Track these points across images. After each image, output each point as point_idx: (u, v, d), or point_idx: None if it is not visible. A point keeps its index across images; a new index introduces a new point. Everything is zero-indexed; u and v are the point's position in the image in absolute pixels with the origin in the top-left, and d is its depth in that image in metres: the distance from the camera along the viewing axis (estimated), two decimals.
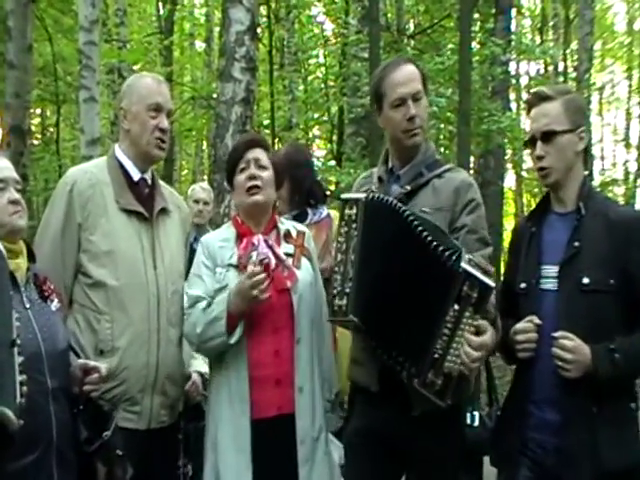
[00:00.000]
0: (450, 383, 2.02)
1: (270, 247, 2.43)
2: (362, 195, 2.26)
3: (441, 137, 11.58)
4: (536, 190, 18.00)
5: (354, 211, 2.22)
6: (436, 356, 2.02)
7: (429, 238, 2.06)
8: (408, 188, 2.32)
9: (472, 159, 10.78)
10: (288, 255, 2.46)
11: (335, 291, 2.23)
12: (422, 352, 2.05)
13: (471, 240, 2.22)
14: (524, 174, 17.54)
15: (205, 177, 17.52)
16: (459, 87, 7.71)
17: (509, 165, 15.02)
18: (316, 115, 14.55)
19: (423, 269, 2.07)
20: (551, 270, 2.17)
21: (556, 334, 2.06)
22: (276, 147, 15.53)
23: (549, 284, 2.18)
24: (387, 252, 2.15)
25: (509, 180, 18.52)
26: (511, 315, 2.23)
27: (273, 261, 2.40)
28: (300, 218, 3.05)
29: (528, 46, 11.02)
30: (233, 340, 2.31)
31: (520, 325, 2.17)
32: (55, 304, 2.10)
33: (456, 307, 2.01)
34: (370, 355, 2.26)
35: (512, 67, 13.74)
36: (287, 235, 2.53)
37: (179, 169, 20.21)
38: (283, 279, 2.39)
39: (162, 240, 2.50)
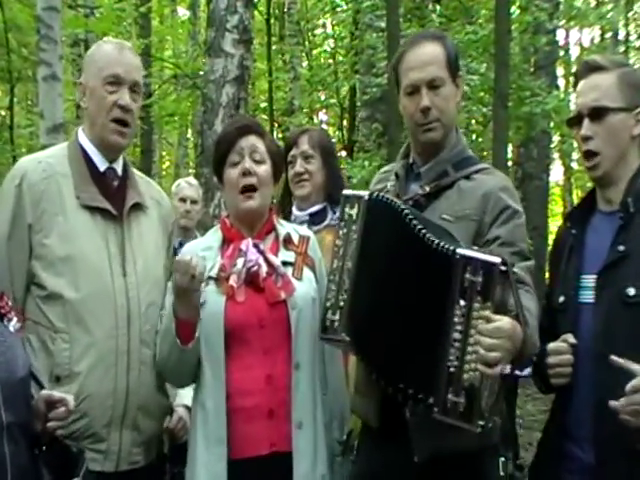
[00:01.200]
0: (476, 398, 1.96)
1: (261, 253, 2.44)
2: (365, 193, 2.27)
3: (473, 122, 11.57)
4: (589, 185, 18.01)
5: (355, 210, 2.24)
6: (452, 370, 1.98)
7: (434, 245, 2.05)
8: (427, 189, 2.34)
9: (510, 148, 10.76)
10: (287, 264, 2.47)
11: (328, 303, 2.24)
12: (434, 372, 2.01)
13: (505, 254, 2.14)
14: (574, 166, 17.49)
15: (190, 171, 17.58)
16: (495, 61, 7.72)
17: (556, 155, 15.03)
18: (323, 97, 14.60)
19: (427, 280, 2.07)
20: (591, 280, 2.17)
21: (627, 387, 1.92)
22: (275, 135, 15.66)
23: (587, 296, 2.17)
24: (387, 261, 2.16)
25: (556, 173, 18.57)
26: (552, 335, 2.22)
27: (264, 269, 2.41)
28: (318, 217, 3.10)
29: (580, 10, 11.03)
30: (190, 346, 2.33)
31: (553, 345, 2.17)
32: (14, 324, 2.09)
33: (462, 303, 1.98)
34: (369, 382, 2.26)
35: (560, 36, 13.78)
36: (287, 240, 2.54)
37: (159, 161, 20.30)
38: (276, 290, 2.40)
39: (135, 242, 2.51)
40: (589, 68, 2.23)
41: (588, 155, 2.22)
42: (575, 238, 2.27)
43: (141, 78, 2.59)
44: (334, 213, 3.11)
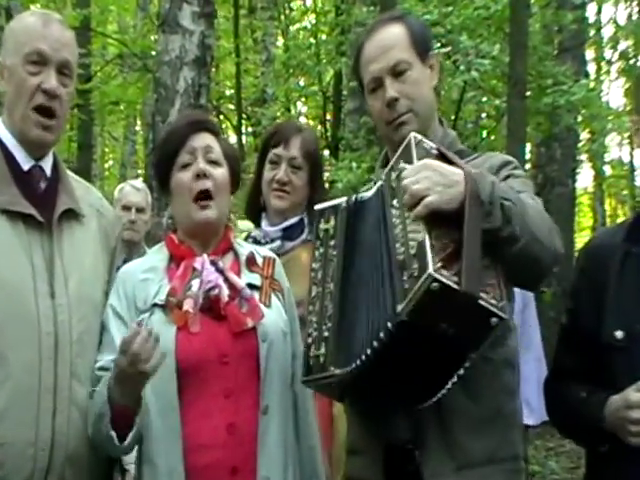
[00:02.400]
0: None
1: (221, 272, 2.45)
2: (341, 200, 2.31)
3: (483, 116, 11.64)
4: (624, 192, 18.12)
5: (332, 224, 2.29)
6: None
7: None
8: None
9: (529, 148, 10.83)
10: (253, 287, 2.49)
11: (310, 339, 2.26)
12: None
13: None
14: (607, 170, 17.62)
15: (139, 172, 17.56)
16: (510, 43, 7.79)
17: (584, 157, 15.12)
18: (302, 83, 14.64)
19: None
20: None
21: None
22: (243, 129, 15.68)
23: None
24: (374, 274, 2.16)
25: (584, 179, 18.65)
26: (592, 378, 2.24)
27: (225, 292, 2.41)
28: (294, 232, 3.16)
29: None
30: (125, 443, 2.30)
31: (637, 396, 2.16)
32: None
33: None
34: (368, 434, 2.28)
35: (590, 12, 13.92)
36: (250, 261, 2.56)
37: (100, 159, 20.26)
38: (241, 317, 2.41)
39: (67, 256, 2.50)
40: None
41: None
42: (635, 257, 2.28)
43: (74, 57, 2.58)
44: (312, 225, 3.14)
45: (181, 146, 2.51)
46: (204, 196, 2.48)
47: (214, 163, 2.52)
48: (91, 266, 2.57)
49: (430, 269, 1.89)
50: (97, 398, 2.35)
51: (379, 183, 2.27)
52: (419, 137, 2.17)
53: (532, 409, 4.22)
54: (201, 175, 2.48)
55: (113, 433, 2.28)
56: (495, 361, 2.26)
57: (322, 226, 2.30)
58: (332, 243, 2.27)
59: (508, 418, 2.32)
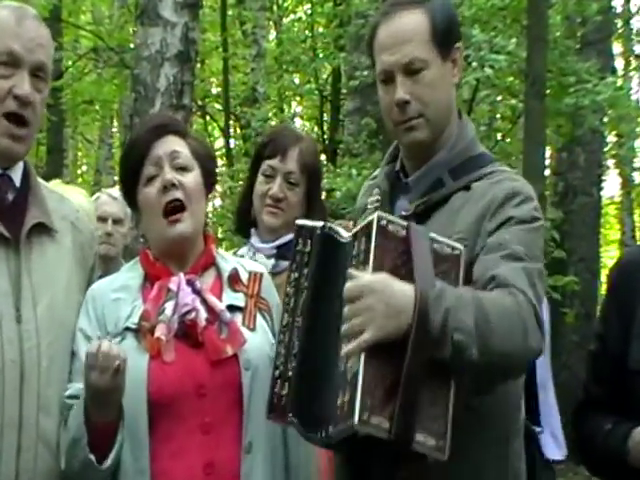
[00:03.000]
0: (355, 388, 1.99)
1: (198, 293, 2.45)
2: (318, 224, 2.32)
3: (497, 116, 11.63)
4: None
5: (308, 248, 2.30)
6: (341, 369, 2.09)
7: None
8: (410, 209, 2.37)
9: (549, 153, 10.83)
10: (235, 309, 2.49)
11: (277, 372, 2.28)
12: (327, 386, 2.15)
13: (492, 260, 2.20)
14: (636, 177, 17.62)
15: (116, 178, 17.54)
16: (528, 36, 7.80)
17: (610, 162, 15.12)
18: (296, 81, 14.66)
19: None
20: None
21: None
22: (232, 131, 15.68)
23: None
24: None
25: (611, 187, 18.64)
26: (621, 409, 2.27)
27: (203, 315, 2.42)
28: (287, 250, 3.08)
29: None
30: (106, 466, 2.30)
31: None
32: None
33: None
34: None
35: (617, 1, 13.96)
36: (234, 278, 2.56)
37: (73, 165, 20.25)
38: (220, 343, 2.41)
39: (37, 276, 2.49)
40: None
41: None
42: None
43: (50, 58, 2.56)
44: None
45: (144, 157, 2.51)
46: (175, 208, 2.47)
47: (182, 169, 2.52)
48: (64, 287, 2.55)
49: (355, 419, 1.93)
50: (71, 422, 2.35)
51: (349, 237, 2.24)
52: (385, 220, 2.11)
53: (559, 442, 4.22)
54: (169, 186, 2.47)
55: (92, 456, 2.28)
56: (481, 411, 2.24)
57: (300, 247, 2.31)
58: (305, 272, 2.28)
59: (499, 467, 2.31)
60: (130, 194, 2.57)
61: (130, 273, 2.58)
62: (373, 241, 2.06)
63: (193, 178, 2.52)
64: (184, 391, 2.36)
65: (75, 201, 2.96)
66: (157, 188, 2.48)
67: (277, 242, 3.17)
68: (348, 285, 2.02)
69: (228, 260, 2.63)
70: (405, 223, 2.12)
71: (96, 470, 2.30)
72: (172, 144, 2.53)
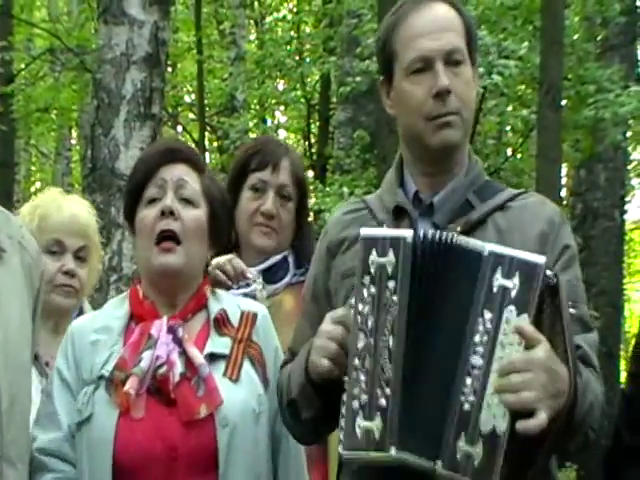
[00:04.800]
0: (497, 450, 2.07)
1: (179, 342, 2.47)
2: (406, 232, 2.26)
3: (507, 130, 11.66)
4: None
5: (391, 260, 2.21)
6: (466, 407, 2.12)
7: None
8: (458, 230, 2.35)
9: (565, 171, 10.85)
10: (219, 358, 2.51)
11: (356, 403, 2.22)
12: (443, 414, 2.16)
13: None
14: None
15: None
16: (542, 39, 7.83)
17: (635, 182, 15.22)
18: (280, 87, 14.75)
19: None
20: None
21: None
22: (207, 143, 15.73)
23: None
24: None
25: (635, 210, 18.79)
26: None
27: (178, 369, 2.44)
28: (276, 274, 3.21)
29: None
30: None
31: None
32: None
33: (488, 315, 2.14)
34: None
35: None
36: (220, 321, 2.59)
37: (25, 180, 20.30)
38: (194, 403, 2.42)
39: None
40: None
41: None
42: None
43: None
44: (298, 267, 3.24)
45: (149, 178, 2.57)
46: (167, 237, 2.51)
47: (187, 202, 2.57)
48: (17, 316, 2.56)
49: None
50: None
51: (487, 249, 2.22)
52: (549, 269, 2.18)
53: None
54: (167, 213, 2.51)
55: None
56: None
57: (375, 258, 2.24)
58: (391, 285, 2.23)
59: None
60: (130, 214, 2.62)
61: (115, 311, 2.62)
62: (537, 288, 2.11)
63: (195, 215, 2.56)
64: (153, 453, 2.38)
65: (76, 212, 3.22)
66: (155, 212, 2.53)
67: (264, 265, 3.19)
68: (522, 357, 2.07)
69: (221, 300, 2.66)
70: (552, 272, 2.17)
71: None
72: (181, 172, 2.60)
